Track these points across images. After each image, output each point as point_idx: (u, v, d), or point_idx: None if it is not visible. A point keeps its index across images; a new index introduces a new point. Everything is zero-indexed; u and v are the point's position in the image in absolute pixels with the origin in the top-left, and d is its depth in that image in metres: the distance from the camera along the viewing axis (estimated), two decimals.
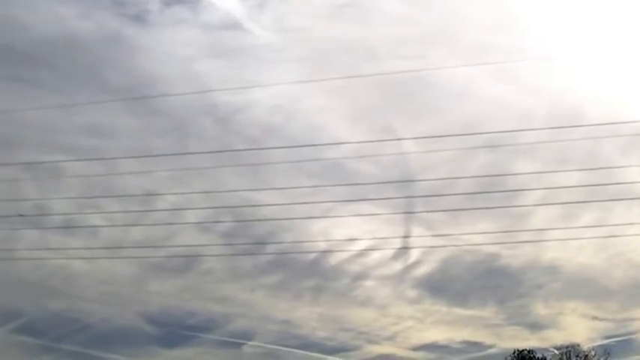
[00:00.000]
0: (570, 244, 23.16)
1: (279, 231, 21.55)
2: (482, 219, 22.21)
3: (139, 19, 29.00)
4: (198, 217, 19.54)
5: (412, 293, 26.87)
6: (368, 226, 22.56)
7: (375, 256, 25.32)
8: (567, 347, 23.31)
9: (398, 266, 26.02)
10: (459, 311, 27.21)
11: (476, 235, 21.30)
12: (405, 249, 22.97)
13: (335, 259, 25.25)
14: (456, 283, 27.23)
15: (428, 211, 19.63)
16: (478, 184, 17.72)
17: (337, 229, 22.46)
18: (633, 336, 25.74)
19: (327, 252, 23.30)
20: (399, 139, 23.62)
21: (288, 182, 19.73)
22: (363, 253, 24.30)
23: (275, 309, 26.58)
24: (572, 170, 17.41)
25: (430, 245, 22.89)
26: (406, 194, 18.97)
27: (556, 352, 23.40)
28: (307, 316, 26.38)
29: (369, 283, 26.61)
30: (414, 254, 25.18)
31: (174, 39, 29.11)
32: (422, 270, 26.57)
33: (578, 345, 23.46)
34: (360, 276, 26.62)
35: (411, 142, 20.59)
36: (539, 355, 23.43)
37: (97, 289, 27.01)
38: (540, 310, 28.47)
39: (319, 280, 25.77)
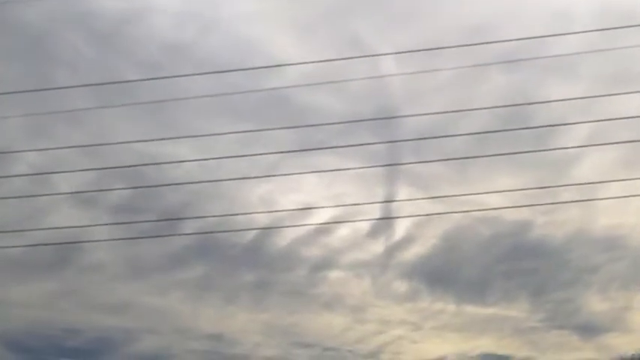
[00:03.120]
0: (636, 204, 23.72)
1: (199, 201, 22.20)
2: (503, 171, 23.02)
3: None
4: (75, 183, 19.74)
5: (402, 286, 27.26)
6: (331, 189, 23.28)
7: (344, 232, 25.80)
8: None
9: (378, 247, 26.43)
10: (473, 310, 27.72)
11: (494, 196, 21.57)
12: (388, 220, 23.50)
13: (284, 239, 25.70)
14: (466, 269, 27.70)
15: (420, 162, 20.05)
16: (493, 120, 18.22)
17: (286, 194, 23.48)
18: None
19: (272, 229, 23.50)
20: (373, 56, 23.63)
21: (209, 127, 20.05)
22: (325, 228, 24.78)
23: (198, 319, 26.83)
24: (634, 92, 17.74)
25: (426, 213, 23.06)
26: (387, 138, 19.25)
27: None
28: (246, 327, 26.69)
29: (336, 274, 27.00)
30: (403, 228, 25.90)
31: None
32: (415, 251, 26.98)
33: None
34: (323, 263, 26.93)
35: (391, 60, 20.82)
36: None
37: None
38: (596, 304, 28.96)
39: (262, 273, 26.09)
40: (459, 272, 27.62)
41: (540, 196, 21.03)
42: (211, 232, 21.03)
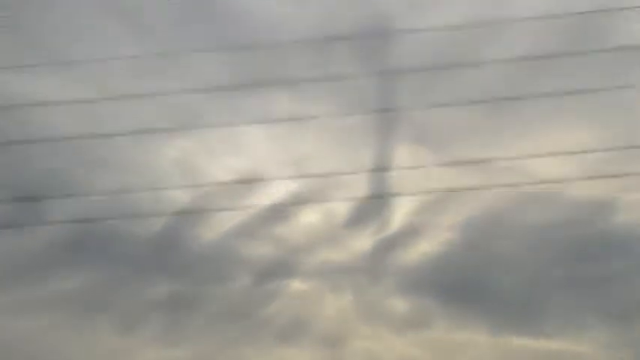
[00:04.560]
0: None
1: (76, 169, 21.87)
2: (563, 120, 22.46)
3: None
4: None
5: (402, 304, 26.52)
6: (289, 149, 23.05)
7: (310, 219, 25.62)
8: None
9: (364, 242, 25.70)
10: (517, 344, 27.14)
11: (549, 160, 21.30)
12: (379, 199, 22.81)
13: (214, 230, 25.40)
14: (505, 278, 26.90)
15: (429, 107, 19.62)
16: (545, 37, 18.28)
17: (216, 157, 23.31)
18: None
19: (194, 214, 23.01)
20: None
21: (89, 49, 20.08)
22: (280, 213, 24.37)
23: (81, 355, 26.24)
24: None
25: (440, 187, 22.65)
26: (376, 67, 19.46)
27: None
28: None
29: (298, 286, 26.29)
30: (403, 212, 25.63)
31: None
32: (422, 249, 26.30)
33: None
34: (278, 269, 26.29)
35: None
36: None
37: None
38: None
39: (180, 283, 25.53)
40: (494, 283, 26.98)
41: (625, 161, 20.47)
42: (98, 220, 21.09)
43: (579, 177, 20.35)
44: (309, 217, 25.10)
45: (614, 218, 26.37)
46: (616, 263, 26.68)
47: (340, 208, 24.03)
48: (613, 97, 18.30)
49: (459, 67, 17.92)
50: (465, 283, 27.37)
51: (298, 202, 21.91)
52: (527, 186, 22.10)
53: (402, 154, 22.49)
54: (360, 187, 20.82)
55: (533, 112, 21.35)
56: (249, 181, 20.93)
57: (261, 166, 23.08)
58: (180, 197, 20.65)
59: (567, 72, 17.75)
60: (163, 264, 25.08)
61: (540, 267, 26.92)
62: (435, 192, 21.74)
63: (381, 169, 20.64)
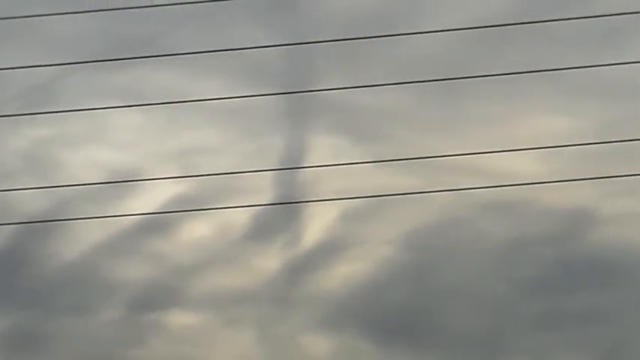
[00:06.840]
0: None
1: None
2: (533, 107, 23.58)
3: None
4: None
5: (322, 344, 26.78)
6: (170, 139, 23.35)
7: (200, 232, 25.45)
8: None
9: (271, 263, 25.61)
10: None
11: (516, 157, 22.58)
12: (290, 207, 23.73)
13: (73, 245, 24.87)
14: (456, 312, 27.40)
15: (356, 86, 20.87)
16: None
17: (77, 148, 23.65)
18: None
19: (44, 224, 23.08)
20: None
21: None
22: (158, 223, 24.43)
23: None
24: None
25: (373, 192, 23.76)
26: (290, 32, 20.45)
27: None
28: None
29: (185, 320, 26.27)
30: (322, 223, 25.76)
31: None
32: (347, 271, 25.68)
33: None
34: (158, 298, 26.53)
35: None
36: None
37: None
38: None
39: (27, 317, 24.71)
40: (444, 317, 27.65)
41: (617, 158, 21.85)
42: None
43: (559, 178, 21.67)
44: (198, 229, 25.26)
45: (595, 232, 26.55)
46: (600, 291, 26.41)
47: (239, 216, 24.12)
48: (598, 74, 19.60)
49: (394, 33, 19.36)
50: (407, 317, 27.19)
51: (184, 208, 22.71)
52: (485, 191, 23.40)
53: (321, 147, 23.29)
54: (265, 189, 21.47)
55: (493, 93, 22.83)
56: (119, 181, 21.01)
57: (136, 161, 23.00)
58: (27, 201, 21.00)
59: (539, 41, 19.28)
60: (1, 291, 26.08)
61: (507, 296, 28.11)
62: (366, 196, 23.23)
63: (292, 165, 21.96)
